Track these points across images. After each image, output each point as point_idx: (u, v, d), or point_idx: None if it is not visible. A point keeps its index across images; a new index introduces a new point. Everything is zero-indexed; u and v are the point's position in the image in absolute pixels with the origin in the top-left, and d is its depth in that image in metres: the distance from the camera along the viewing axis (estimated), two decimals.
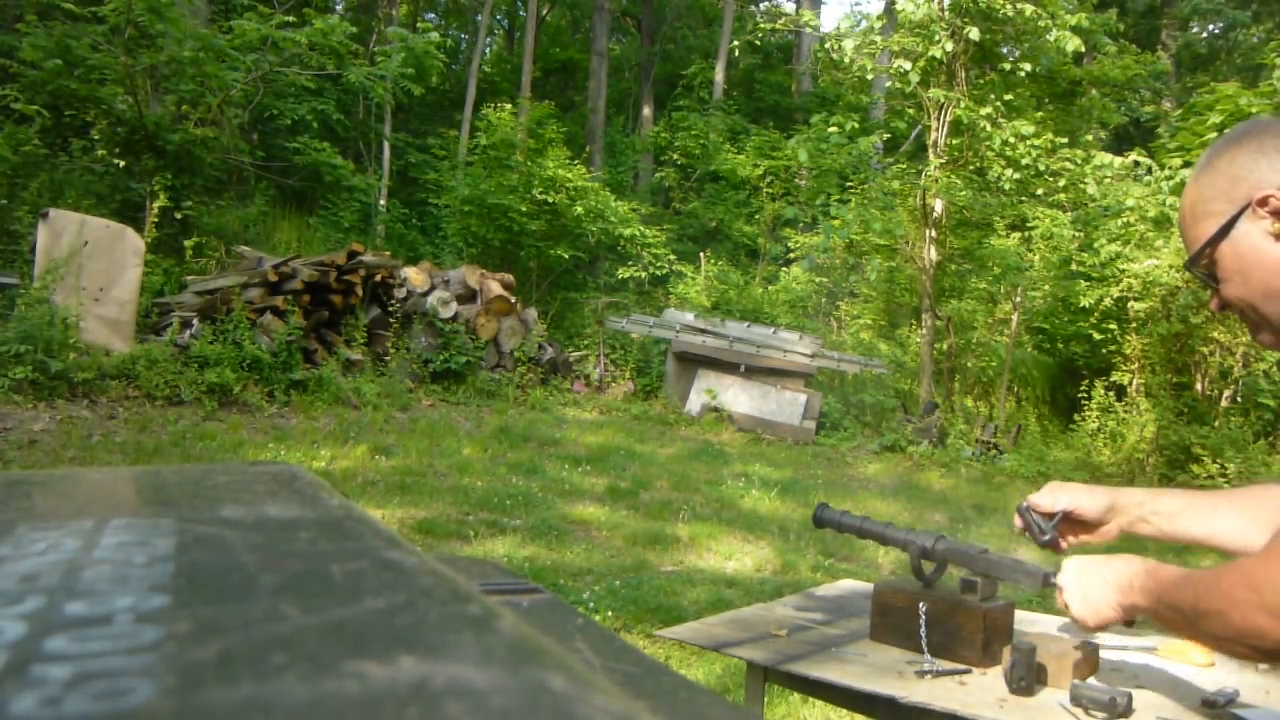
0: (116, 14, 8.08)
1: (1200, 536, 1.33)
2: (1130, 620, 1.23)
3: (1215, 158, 1.16)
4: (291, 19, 9.45)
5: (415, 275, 8.44)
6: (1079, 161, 9.80)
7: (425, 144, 13.89)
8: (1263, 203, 1.10)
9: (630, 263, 11.78)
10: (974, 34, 9.04)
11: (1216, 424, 8.53)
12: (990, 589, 1.51)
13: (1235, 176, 1.13)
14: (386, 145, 14.13)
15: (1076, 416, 9.19)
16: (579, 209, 11.07)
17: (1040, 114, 10.80)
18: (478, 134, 11.60)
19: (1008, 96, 9.98)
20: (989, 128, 9.19)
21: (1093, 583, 1.24)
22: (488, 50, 20.99)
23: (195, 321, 7.11)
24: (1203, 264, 1.17)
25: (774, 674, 1.50)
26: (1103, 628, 1.26)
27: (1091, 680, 1.37)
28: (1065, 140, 10.20)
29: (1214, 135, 8.09)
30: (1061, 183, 9.81)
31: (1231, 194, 1.13)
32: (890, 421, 9.09)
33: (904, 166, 10.62)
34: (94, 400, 5.92)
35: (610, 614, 3.82)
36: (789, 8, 20.07)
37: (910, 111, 10.90)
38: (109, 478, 0.73)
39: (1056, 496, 1.40)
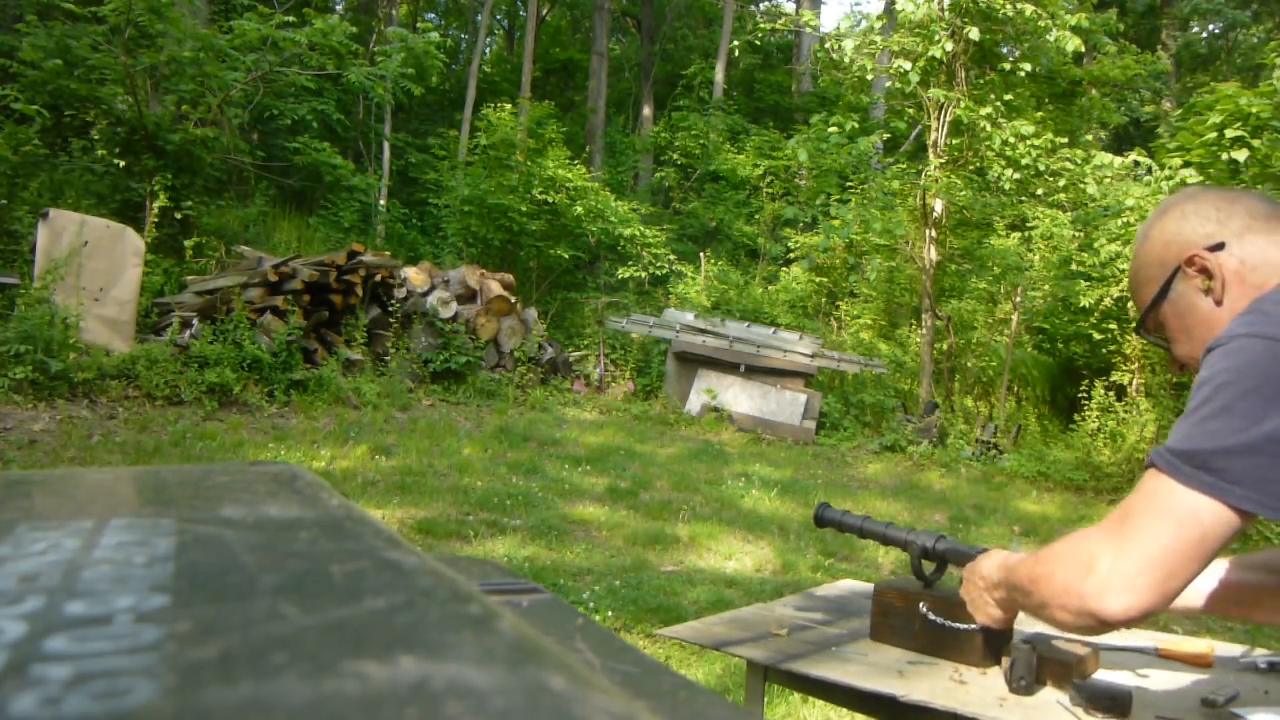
0: (116, 14, 8.08)
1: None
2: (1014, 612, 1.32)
3: (1148, 230, 1.26)
4: (291, 19, 9.45)
5: (415, 275, 8.44)
6: (1079, 161, 9.80)
7: (425, 144, 13.90)
8: (1190, 262, 1.18)
9: (630, 263, 11.79)
10: (974, 34, 9.04)
11: None
12: None
13: (1165, 242, 1.22)
14: (386, 145, 14.14)
15: (1076, 416, 9.19)
16: (579, 209, 11.08)
17: (1040, 114, 10.80)
18: (478, 134, 11.61)
19: (1008, 96, 9.98)
20: (989, 128, 9.19)
21: (979, 582, 1.34)
22: (488, 50, 21.00)
23: (195, 321, 7.11)
24: (1150, 328, 1.26)
25: (774, 673, 1.50)
26: (1001, 623, 1.35)
27: (1091, 680, 1.37)
28: (1065, 140, 10.19)
29: (1214, 135, 8.09)
30: (1061, 183, 9.80)
31: (1164, 258, 1.22)
32: (890, 421, 9.09)
33: (904, 166, 10.62)
34: (94, 400, 5.92)
35: (610, 614, 3.82)
36: (789, 8, 20.08)
37: (910, 111, 10.90)
38: (109, 478, 0.73)
39: None
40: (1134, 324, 1.38)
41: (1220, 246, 1.16)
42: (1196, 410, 1.02)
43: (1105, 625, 1.03)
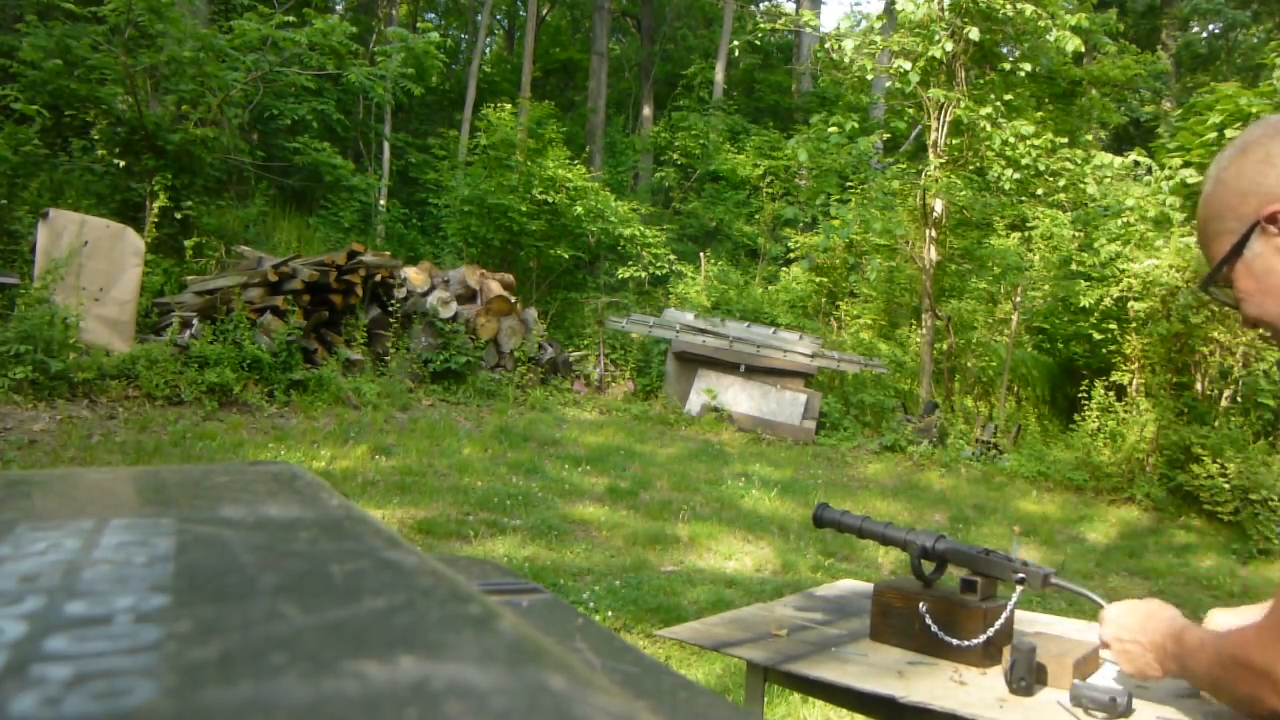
0: (116, 14, 8.08)
1: None
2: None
3: (1221, 172, 1.09)
4: (291, 19, 9.45)
5: (415, 275, 8.44)
6: (1079, 161, 9.80)
7: (425, 144, 13.90)
8: (1271, 219, 1.02)
9: (630, 263, 11.78)
10: (974, 34, 9.04)
11: (1216, 424, 8.52)
12: (990, 589, 1.51)
13: (1243, 191, 1.05)
14: (386, 145, 14.14)
15: (1076, 416, 9.19)
16: (579, 209, 11.07)
17: (1040, 114, 10.80)
18: (478, 134, 11.60)
19: (1008, 96, 9.98)
20: (989, 128, 9.19)
21: (1134, 645, 1.22)
22: (488, 50, 21.00)
23: (195, 321, 7.10)
24: (1219, 283, 1.11)
25: (774, 674, 1.50)
26: (1153, 681, 1.26)
27: (1091, 680, 1.37)
28: (1065, 140, 10.19)
29: (1214, 135, 8.09)
30: (1061, 183, 9.80)
31: (1240, 210, 1.05)
32: (890, 421, 9.09)
33: (904, 166, 10.62)
34: (94, 400, 5.92)
35: (610, 614, 3.82)
36: (789, 8, 20.08)
37: (910, 111, 10.89)
38: (109, 478, 0.73)
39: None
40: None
41: None
42: None
43: None
